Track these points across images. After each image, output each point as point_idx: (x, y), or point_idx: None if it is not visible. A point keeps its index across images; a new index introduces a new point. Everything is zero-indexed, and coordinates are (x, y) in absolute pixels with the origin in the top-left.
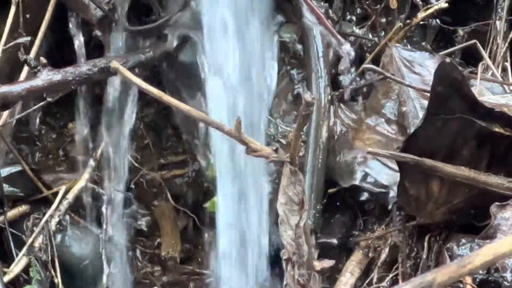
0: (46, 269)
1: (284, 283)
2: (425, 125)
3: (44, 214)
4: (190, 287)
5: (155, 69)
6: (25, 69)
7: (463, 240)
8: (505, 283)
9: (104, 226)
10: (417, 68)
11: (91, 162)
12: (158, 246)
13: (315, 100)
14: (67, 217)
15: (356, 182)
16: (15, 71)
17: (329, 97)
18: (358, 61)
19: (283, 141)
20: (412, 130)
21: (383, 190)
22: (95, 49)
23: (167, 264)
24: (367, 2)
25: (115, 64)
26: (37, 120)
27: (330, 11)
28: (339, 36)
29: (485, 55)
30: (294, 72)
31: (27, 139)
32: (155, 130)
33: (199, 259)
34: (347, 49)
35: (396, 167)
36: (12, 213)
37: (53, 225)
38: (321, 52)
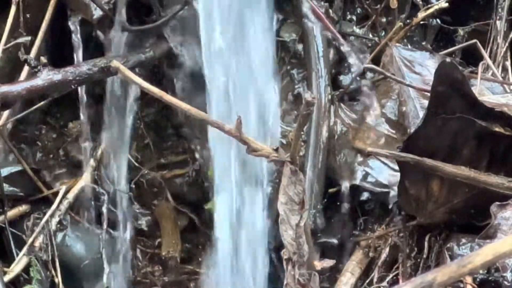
0: (47, 269)
1: (285, 282)
2: (425, 125)
3: (44, 214)
4: (190, 287)
5: (155, 69)
6: (25, 69)
7: (463, 240)
8: (506, 283)
9: (104, 226)
10: (417, 67)
11: (91, 162)
12: (158, 246)
13: (316, 100)
14: (67, 217)
15: (356, 182)
16: (15, 71)
17: (330, 96)
18: None
19: (284, 141)
20: (412, 130)
21: (383, 190)
22: (95, 49)
23: (167, 264)
24: (367, 2)
25: (115, 63)
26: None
27: (330, 10)
28: (339, 36)
29: (486, 54)
30: (294, 72)
31: (27, 139)
32: (155, 130)
33: (199, 259)
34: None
35: (396, 167)
36: (12, 213)
37: (53, 225)
38: (321, 52)
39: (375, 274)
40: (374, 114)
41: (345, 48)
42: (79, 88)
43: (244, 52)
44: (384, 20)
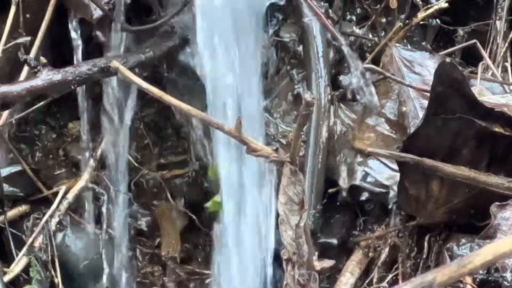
0: (46, 269)
1: (284, 283)
2: (425, 125)
3: (44, 214)
4: (190, 287)
5: (155, 68)
6: (25, 69)
7: (463, 240)
8: (505, 283)
9: (104, 226)
10: (417, 68)
11: (91, 162)
12: (158, 246)
13: (315, 100)
14: (67, 217)
15: (356, 182)
16: (15, 71)
17: (329, 97)
18: None
19: (283, 141)
20: (412, 130)
21: (383, 190)
22: (95, 49)
23: (167, 264)
24: (367, 2)
25: (115, 64)
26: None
27: (330, 10)
28: (339, 36)
29: (485, 55)
30: (294, 72)
31: (27, 139)
32: (155, 130)
33: (199, 259)
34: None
35: (396, 167)
36: (12, 213)
37: (53, 225)
38: (321, 52)
39: (375, 274)
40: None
41: (345, 48)
42: (78, 88)
43: None
44: (384, 20)
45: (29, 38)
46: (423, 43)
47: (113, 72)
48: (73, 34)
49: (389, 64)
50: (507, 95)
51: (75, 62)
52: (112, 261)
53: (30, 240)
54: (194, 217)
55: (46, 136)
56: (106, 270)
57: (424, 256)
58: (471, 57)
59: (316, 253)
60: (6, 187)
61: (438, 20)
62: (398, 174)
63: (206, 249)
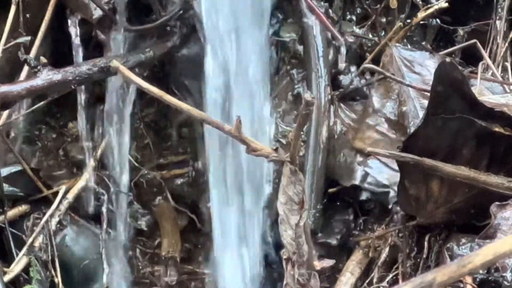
0: (46, 268)
1: (284, 282)
2: (425, 125)
3: (44, 214)
4: (190, 287)
5: (155, 68)
6: (25, 69)
7: (463, 240)
8: (505, 282)
9: (104, 226)
10: (417, 67)
11: (91, 162)
12: (158, 246)
13: (315, 99)
14: (67, 217)
15: (356, 182)
16: (15, 71)
17: (329, 96)
18: (358, 61)
19: (283, 141)
20: (412, 129)
21: (383, 190)
22: (95, 49)
23: (167, 264)
24: (367, 2)
25: (115, 63)
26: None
27: (330, 10)
28: (339, 36)
29: (485, 54)
30: (294, 72)
31: (27, 139)
32: (155, 130)
33: (199, 259)
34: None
35: (396, 167)
36: (12, 213)
37: (53, 224)
38: (321, 52)
39: (375, 274)
40: (373, 114)
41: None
42: (78, 88)
43: None
44: (384, 20)
45: (29, 38)
46: (423, 43)
47: (113, 72)
48: (73, 34)
49: (389, 64)
50: (507, 95)
51: (75, 62)
52: (112, 261)
53: (30, 240)
54: (194, 217)
55: (46, 136)
56: (106, 270)
57: (424, 256)
58: (471, 57)
59: (317, 253)
60: (6, 187)
61: (438, 20)
62: (398, 174)
63: (206, 249)
